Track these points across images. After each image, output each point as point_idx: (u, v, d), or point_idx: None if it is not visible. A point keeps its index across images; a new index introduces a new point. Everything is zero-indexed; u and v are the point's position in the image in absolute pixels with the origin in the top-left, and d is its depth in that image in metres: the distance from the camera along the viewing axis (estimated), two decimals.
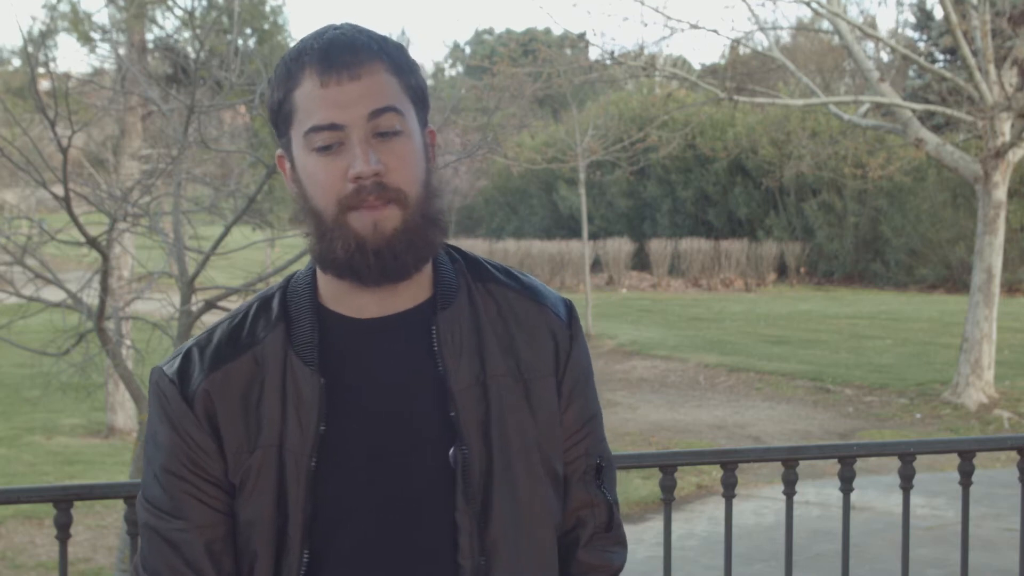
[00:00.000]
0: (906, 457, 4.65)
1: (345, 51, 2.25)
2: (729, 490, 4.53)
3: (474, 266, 2.47)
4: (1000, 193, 19.07)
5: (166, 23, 23.05)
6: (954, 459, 4.81)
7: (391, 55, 2.30)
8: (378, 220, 2.24)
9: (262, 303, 2.39)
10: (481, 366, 2.37)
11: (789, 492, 4.57)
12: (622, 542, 2.60)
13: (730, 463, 4.56)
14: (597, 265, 39.55)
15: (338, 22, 2.34)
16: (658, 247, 40.43)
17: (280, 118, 2.32)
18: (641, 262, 41.58)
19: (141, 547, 2.36)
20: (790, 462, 4.57)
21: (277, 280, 8.35)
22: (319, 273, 2.37)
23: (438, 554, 2.33)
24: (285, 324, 2.34)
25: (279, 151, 2.37)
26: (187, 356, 2.35)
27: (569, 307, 2.54)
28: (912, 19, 40.26)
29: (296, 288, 2.38)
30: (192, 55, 12.40)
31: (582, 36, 29.85)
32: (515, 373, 2.40)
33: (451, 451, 2.32)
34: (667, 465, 4.50)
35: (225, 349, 2.34)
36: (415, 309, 2.37)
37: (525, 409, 2.40)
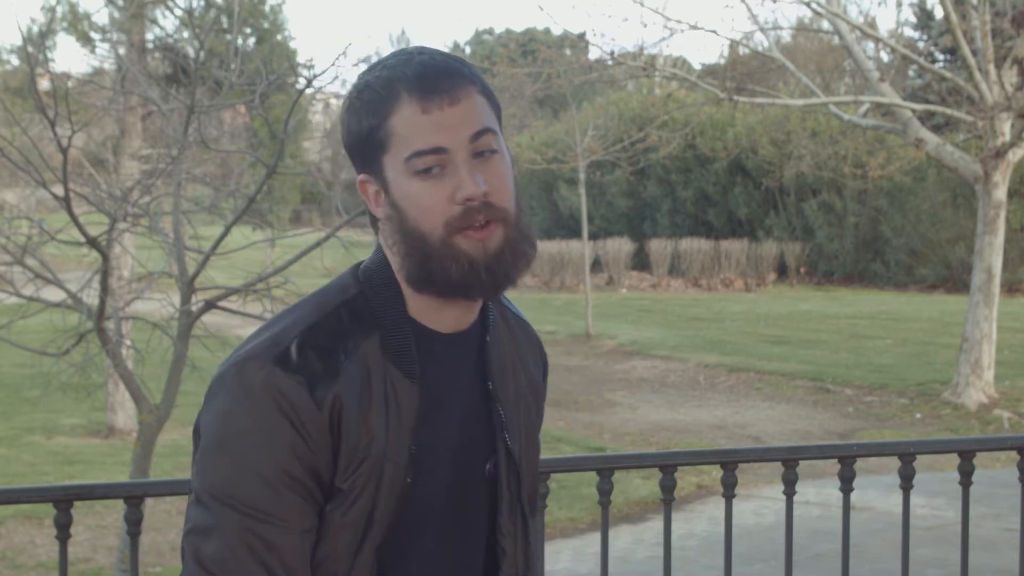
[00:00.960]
0: (906, 457, 4.65)
1: (443, 76, 2.30)
2: (729, 490, 4.53)
3: None
4: (1000, 193, 19.06)
5: (166, 23, 23.07)
6: (954, 459, 4.81)
7: (478, 78, 2.37)
8: (485, 241, 2.28)
9: (349, 307, 2.37)
10: (515, 386, 2.50)
11: (789, 492, 4.57)
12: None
13: (730, 463, 4.56)
14: (597, 265, 39.54)
15: (416, 46, 2.39)
16: (658, 247, 40.41)
17: (371, 145, 2.33)
18: (641, 262, 41.56)
19: (211, 554, 2.24)
20: (790, 462, 4.57)
21: (276, 280, 8.25)
22: (404, 286, 2.38)
23: (479, 562, 2.45)
24: (379, 331, 2.35)
25: (363, 176, 2.37)
26: (303, 352, 2.29)
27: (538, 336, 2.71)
28: (912, 19, 40.31)
29: (380, 295, 2.38)
30: (192, 55, 12.41)
31: (582, 36, 29.89)
32: (529, 392, 2.56)
33: (489, 463, 2.43)
34: (667, 465, 4.50)
35: (337, 350, 2.31)
36: (473, 327, 2.45)
37: (536, 424, 2.57)
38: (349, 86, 2.44)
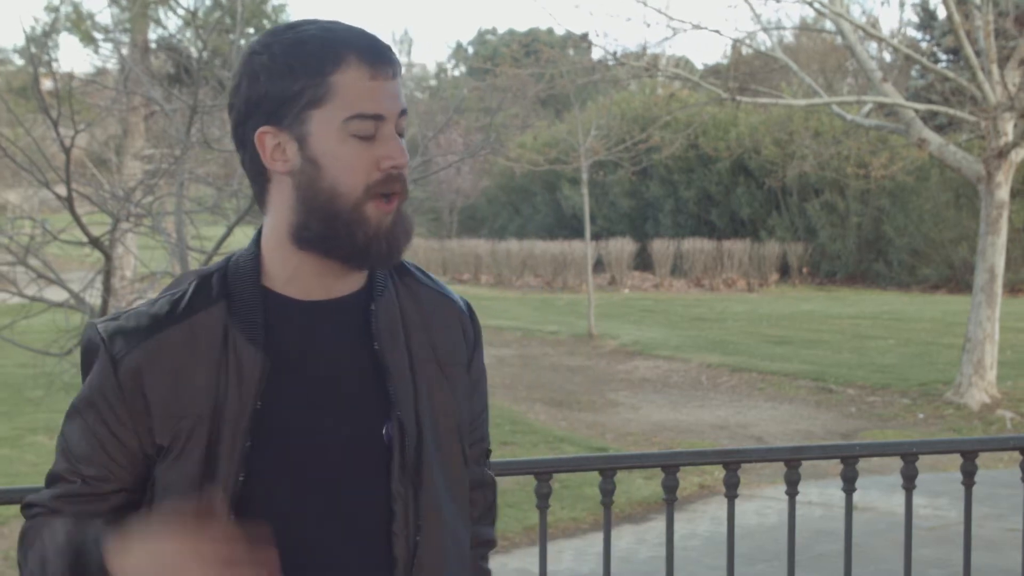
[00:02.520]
0: (909, 457, 4.65)
1: (387, 51, 2.42)
2: (732, 490, 4.53)
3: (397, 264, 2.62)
4: (1003, 193, 19.05)
5: (169, 23, 23.08)
6: (957, 459, 4.81)
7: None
8: (387, 215, 2.40)
9: (202, 279, 2.48)
10: (408, 352, 2.53)
11: (792, 492, 4.57)
12: (495, 521, 2.88)
13: (733, 463, 4.56)
14: (600, 265, 39.51)
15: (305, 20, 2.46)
16: (660, 247, 40.40)
17: (296, 99, 2.38)
18: (643, 262, 41.54)
19: (49, 472, 2.49)
20: (793, 462, 4.58)
21: None
22: (266, 254, 2.48)
23: (371, 526, 2.47)
24: (226, 301, 2.43)
25: (265, 128, 2.41)
26: (124, 318, 2.45)
27: (471, 309, 2.75)
28: (915, 19, 40.32)
29: (238, 267, 2.47)
30: (195, 55, 12.40)
31: (585, 37, 29.85)
32: (435, 360, 2.58)
33: (385, 427, 2.47)
34: (669, 465, 4.51)
35: (161, 319, 2.42)
36: (351, 296, 2.51)
37: (448, 392, 2.59)
38: (253, 43, 2.46)
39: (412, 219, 2.48)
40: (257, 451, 2.37)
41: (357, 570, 2.46)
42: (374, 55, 2.38)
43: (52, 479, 2.46)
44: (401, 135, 2.42)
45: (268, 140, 2.41)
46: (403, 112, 2.42)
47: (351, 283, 2.50)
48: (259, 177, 2.46)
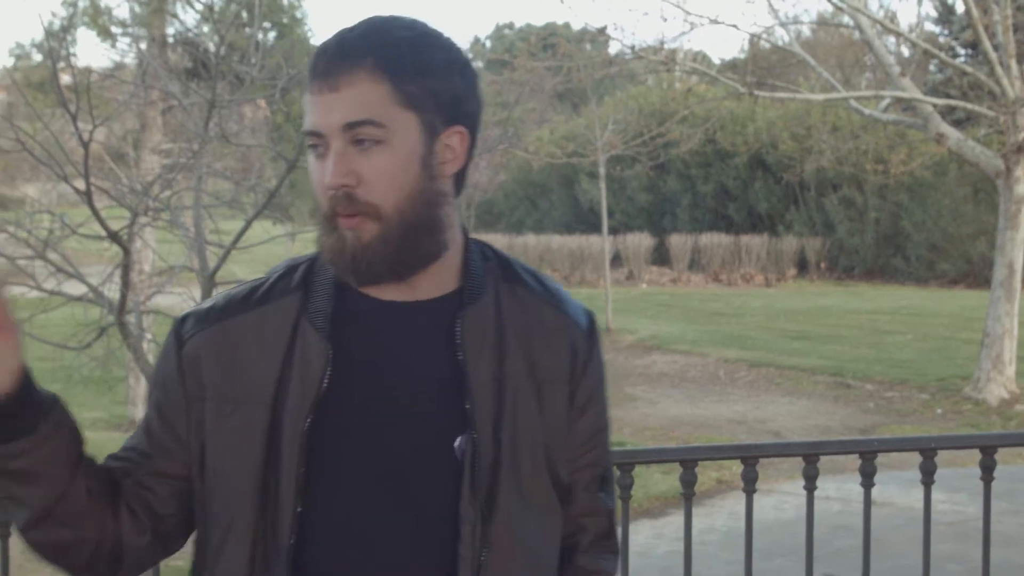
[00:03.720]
0: (927, 452, 4.64)
1: (333, 58, 2.27)
2: (749, 485, 4.53)
3: (505, 267, 2.50)
4: (1021, 188, 19.01)
5: (186, 17, 23.09)
6: (975, 455, 4.80)
7: (389, 60, 2.28)
8: (356, 230, 2.28)
9: (288, 269, 2.45)
10: (500, 364, 2.39)
11: (810, 487, 4.57)
12: (616, 551, 2.68)
13: (750, 458, 4.56)
14: (617, 260, 39.49)
15: (359, 19, 2.36)
16: (678, 242, 40.39)
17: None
18: (661, 257, 41.53)
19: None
20: (811, 457, 4.57)
21: None
22: None
23: (437, 535, 2.35)
24: (303, 292, 2.39)
25: None
26: (205, 303, 2.47)
27: (590, 318, 2.57)
28: (933, 13, 40.16)
29: (323, 262, 2.40)
30: (212, 49, 12.40)
31: (602, 31, 29.75)
32: (530, 375, 2.42)
33: (457, 441, 2.35)
34: (687, 460, 4.51)
35: (234, 305, 2.42)
36: (439, 299, 2.40)
37: (536, 411, 2.43)
38: None
39: (430, 235, 2.34)
40: (320, 444, 2.32)
41: (420, 573, 2.37)
42: (313, 70, 2.29)
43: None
44: (370, 142, 2.26)
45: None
46: (355, 124, 2.25)
47: (439, 285, 2.40)
48: None
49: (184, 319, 2.45)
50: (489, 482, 2.36)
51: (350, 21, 2.36)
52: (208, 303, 2.46)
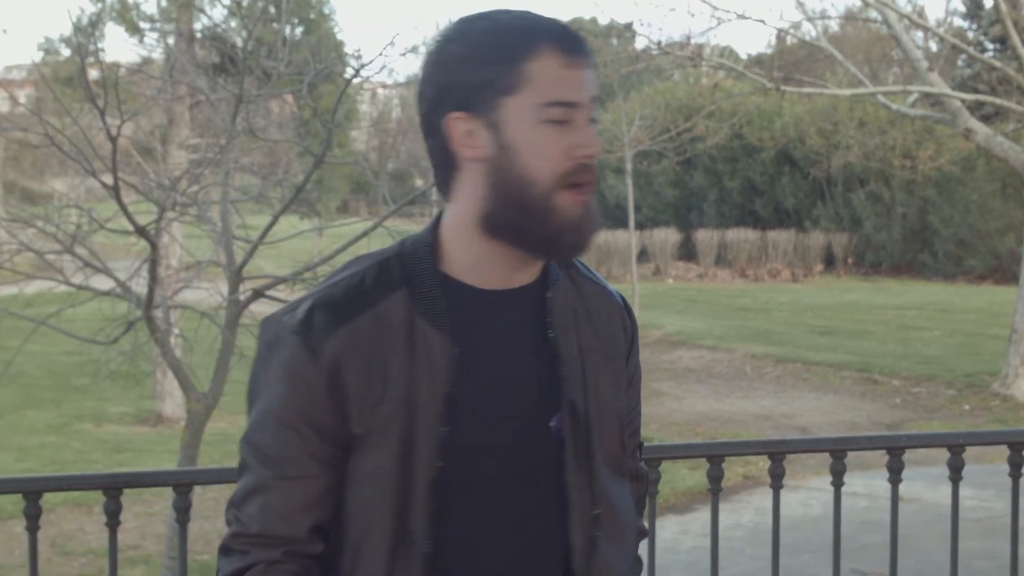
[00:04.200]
0: (955, 448, 4.63)
1: (582, 41, 2.42)
2: (777, 481, 4.52)
3: None
4: None
5: (214, 12, 23.12)
6: (1003, 451, 4.79)
7: None
8: (580, 205, 2.40)
9: (380, 265, 2.47)
10: (578, 341, 2.53)
11: (837, 483, 4.56)
12: (642, 512, 2.90)
13: (777, 454, 4.55)
14: (644, 255, 39.46)
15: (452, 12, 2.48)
16: (705, 237, 40.33)
17: (490, 85, 2.39)
18: (688, 252, 41.46)
19: (238, 489, 2.44)
20: (838, 453, 4.56)
21: (324, 270, 8.36)
22: (446, 241, 2.48)
23: (552, 515, 2.48)
24: (407, 288, 2.43)
25: (457, 114, 2.41)
26: (311, 309, 2.41)
27: (627, 302, 2.73)
28: (962, 8, 40.02)
29: (415, 253, 2.47)
30: (240, 44, 12.42)
31: (629, 26, 29.86)
32: (600, 349, 2.57)
33: (554, 420, 2.47)
34: (714, 455, 4.50)
35: (349, 306, 2.41)
36: (528, 286, 2.51)
37: (609, 382, 2.58)
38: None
39: (597, 211, 2.47)
40: (453, 439, 2.39)
41: (542, 558, 2.49)
42: (569, 43, 2.39)
43: (249, 491, 2.43)
44: (594, 121, 2.41)
45: (459, 126, 2.42)
46: (596, 99, 2.42)
47: (528, 274, 2.50)
48: (446, 164, 2.46)
49: (303, 329, 2.40)
50: (587, 450, 2.50)
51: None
52: (312, 310, 2.42)
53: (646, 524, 2.94)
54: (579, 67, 2.38)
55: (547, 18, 2.42)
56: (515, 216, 2.39)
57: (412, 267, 2.45)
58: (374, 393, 2.37)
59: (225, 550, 2.44)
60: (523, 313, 2.50)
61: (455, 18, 2.54)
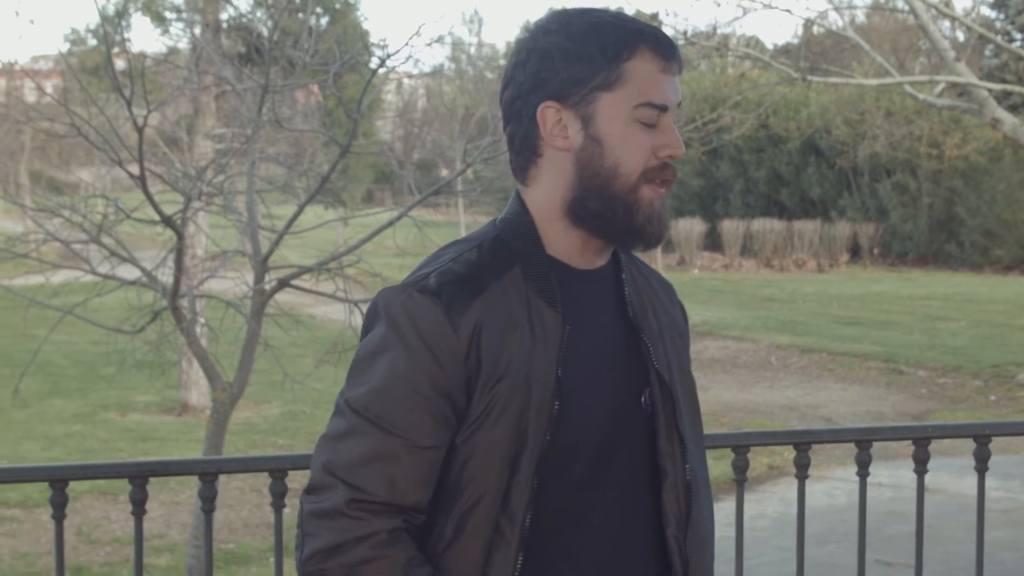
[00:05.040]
0: (981, 439, 4.61)
1: (677, 48, 2.53)
2: (802, 471, 4.51)
3: None
4: None
5: (239, 2, 23.17)
6: None
7: None
8: (659, 199, 2.51)
9: (492, 243, 2.53)
10: (656, 319, 2.67)
11: (862, 474, 4.54)
12: None
13: (802, 444, 4.54)
14: (669, 245, 39.41)
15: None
16: (730, 227, 40.28)
17: (589, 78, 2.47)
18: (713, 242, 41.42)
19: (341, 459, 2.40)
20: (863, 443, 4.55)
21: (349, 259, 8.35)
22: (544, 224, 2.54)
23: (645, 487, 2.57)
24: (520, 265, 2.50)
25: (549, 103, 2.49)
26: (442, 280, 2.45)
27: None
28: None
29: (519, 234, 2.54)
30: (265, 35, 12.44)
31: (655, 16, 29.69)
32: (672, 328, 2.71)
33: (644, 395, 2.57)
34: (739, 446, 4.49)
35: (478, 279, 2.46)
36: (606, 267, 2.62)
37: (685, 357, 2.72)
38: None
39: (668, 206, 2.59)
40: (562, 414, 2.44)
41: (640, 530, 2.57)
42: (667, 49, 2.49)
43: (368, 458, 2.40)
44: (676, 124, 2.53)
45: (551, 115, 2.49)
46: (679, 105, 2.54)
47: (604, 257, 2.60)
48: (529, 150, 2.54)
49: (441, 296, 2.43)
50: (674, 421, 2.59)
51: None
52: (446, 279, 2.45)
53: None
54: (673, 72, 2.50)
55: (644, 23, 2.52)
56: (601, 206, 2.48)
57: (520, 247, 2.52)
58: (502, 366, 2.41)
59: (332, 514, 2.38)
60: (608, 293, 2.60)
61: (554, 9, 2.63)
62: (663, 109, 2.47)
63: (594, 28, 2.48)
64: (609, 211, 2.47)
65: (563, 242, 2.53)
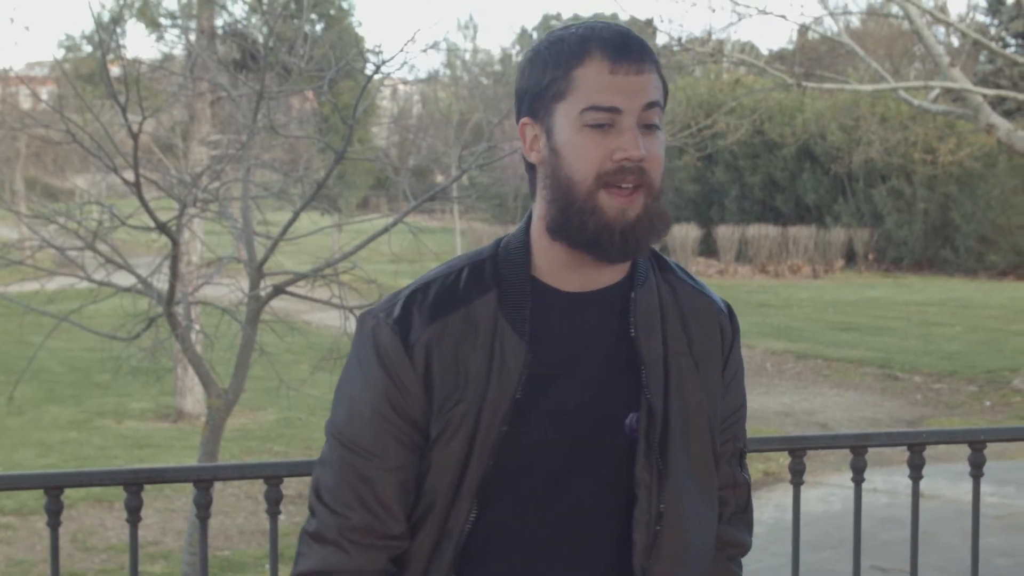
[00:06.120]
0: (977, 445, 4.62)
1: (633, 47, 2.47)
2: (797, 477, 4.51)
3: (658, 258, 2.69)
4: None
5: (234, 8, 23.15)
6: None
7: (657, 61, 2.52)
8: (625, 207, 2.44)
9: (474, 266, 2.56)
10: (664, 343, 2.59)
11: (858, 479, 4.55)
12: (751, 526, 2.91)
13: (798, 450, 4.54)
14: (664, 251, 38.73)
15: (604, 22, 2.56)
16: (725, 233, 40.30)
17: (549, 91, 2.49)
18: (708, 248, 41.44)
19: (324, 482, 2.54)
20: (858, 449, 4.55)
21: (344, 265, 8.38)
22: (535, 243, 2.57)
23: (605, 511, 2.55)
24: (498, 290, 2.52)
25: (525, 120, 2.54)
26: (406, 306, 2.53)
27: (731, 308, 2.80)
28: (983, 3, 39.93)
29: (509, 256, 2.57)
30: (260, 41, 12.44)
31: (649, 22, 29.73)
32: (689, 352, 2.62)
33: (629, 418, 2.54)
34: None
35: (443, 304, 2.51)
36: (613, 286, 2.57)
37: (699, 386, 2.62)
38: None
39: (666, 215, 2.52)
40: (510, 439, 2.47)
41: (595, 554, 2.56)
42: (616, 50, 2.45)
43: (346, 480, 2.52)
44: (653, 126, 2.47)
45: (527, 131, 2.54)
46: (652, 104, 2.47)
47: (613, 274, 2.57)
48: (528, 167, 2.59)
49: (399, 324, 2.51)
50: (660, 450, 2.55)
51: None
52: (408, 307, 2.53)
53: (750, 539, 2.94)
54: (624, 73, 2.45)
55: (610, 27, 2.51)
56: (563, 217, 2.47)
57: (505, 269, 2.55)
58: (456, 389, 2.47)
59: (318, 537, 2.53)
60: (607, 314, 2.56)
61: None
62: (613, 111, 2.43)
63: (555, 42, 2.50)
64: (569, 221, 2.47)
65: (548, 260, 2.54)
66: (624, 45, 2.46)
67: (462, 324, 2.49)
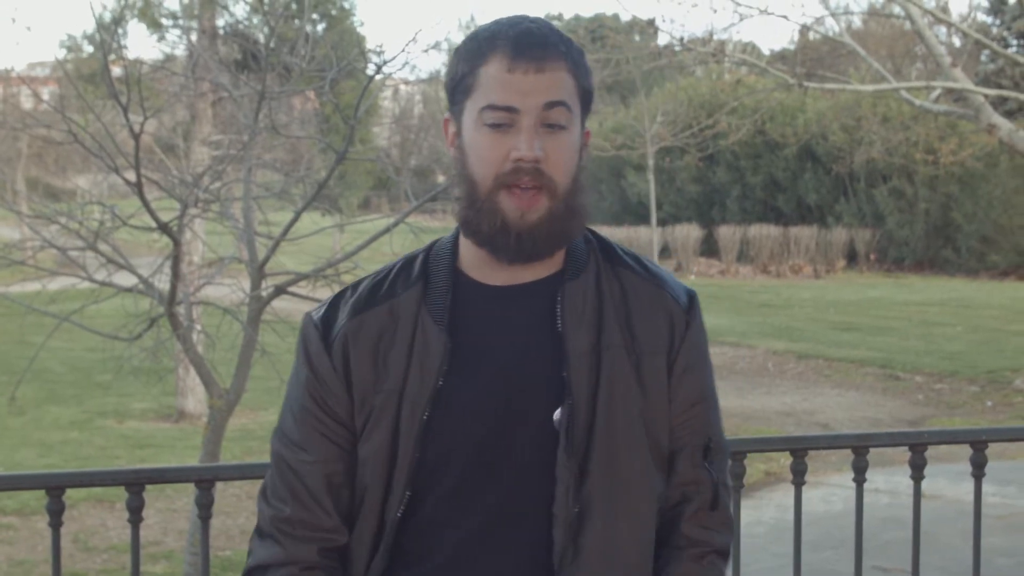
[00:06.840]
0: (978, 445, 4.61)
1: (536, 45, 2.45)
2: (798, 477, 4.51)
3: (606, 249, 2.66)
4: None
5: (236, 9, 23.15)
6: None
7: (573, 58, 2.50)
8: (525, 209, 2.45)
9: (406, 263, 2.62)
10: (597, 336, 2.54)
11: (859, 480, 4.54)
12: (727, 524, 2.71)
13: (799, 450, 4.54)
14: (666, 251, 39.44)
15: (532, 15, 2.54)
16: (727, 233, 40.27)
17: (460, 87, 2.51)
18: (710, 248, 41.41)
19: (269, 475, 2.63)
20: (860, 449, 4.55)
21: (345, 265, 8.41)
22: (462, 238, 2.59)
23: (533, 505, 2.51)
24: (423, 284, 2.57)
25: (447, 115, 2.57)
26: (332, 305, 2.62)
27: (691, 296, 2.73)
28: (985, 3, 39.91)
29: (439, 252, 2.61)
30: (262, 41, 12.45)
31: (651, 22, 29.73)
32: (628, 347, 2.57)
33: (556, 413, 2.50)
34: (736, 452, 4.49)
35: (365, 300, 2.58)
36: (542, 280, 2.57)
37: (634, 381, 2.56)
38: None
39: (578, 215, 2.51)
40: (434, 428, 2.50)
41: (523, 549, 2.53)
42: (516, 48, 2.44)
43: (281, 474, 2.61)
44: (556, 126, 2.45)
45: (449, 127, 2.57)
46: (554, 104, 2.44)
47: (542, 268, 2.56)
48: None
49: (322, 323, 2.60)
50: (584, 447, 2.50)
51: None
52: (335, 304, 2.62)
53: (721, 538, 2.69)
54: (523, 72, 2.44)
55: (521, 24, 2.49)
56: (467, 211, 2.50)
57: (433, 264, 2.57)
58: (375, 383, 2.52)
59: (260, 532, 2.61)
60: (534, 307, 2.55)
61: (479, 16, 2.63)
62: (510, 110, 2.42)
63: (471, 38, 2.51)
64: (468, 219, 2.49)
65: (471, 254, 2.56)
66: (526, 43, 2.44)
67: (384, 318, 2.54)
